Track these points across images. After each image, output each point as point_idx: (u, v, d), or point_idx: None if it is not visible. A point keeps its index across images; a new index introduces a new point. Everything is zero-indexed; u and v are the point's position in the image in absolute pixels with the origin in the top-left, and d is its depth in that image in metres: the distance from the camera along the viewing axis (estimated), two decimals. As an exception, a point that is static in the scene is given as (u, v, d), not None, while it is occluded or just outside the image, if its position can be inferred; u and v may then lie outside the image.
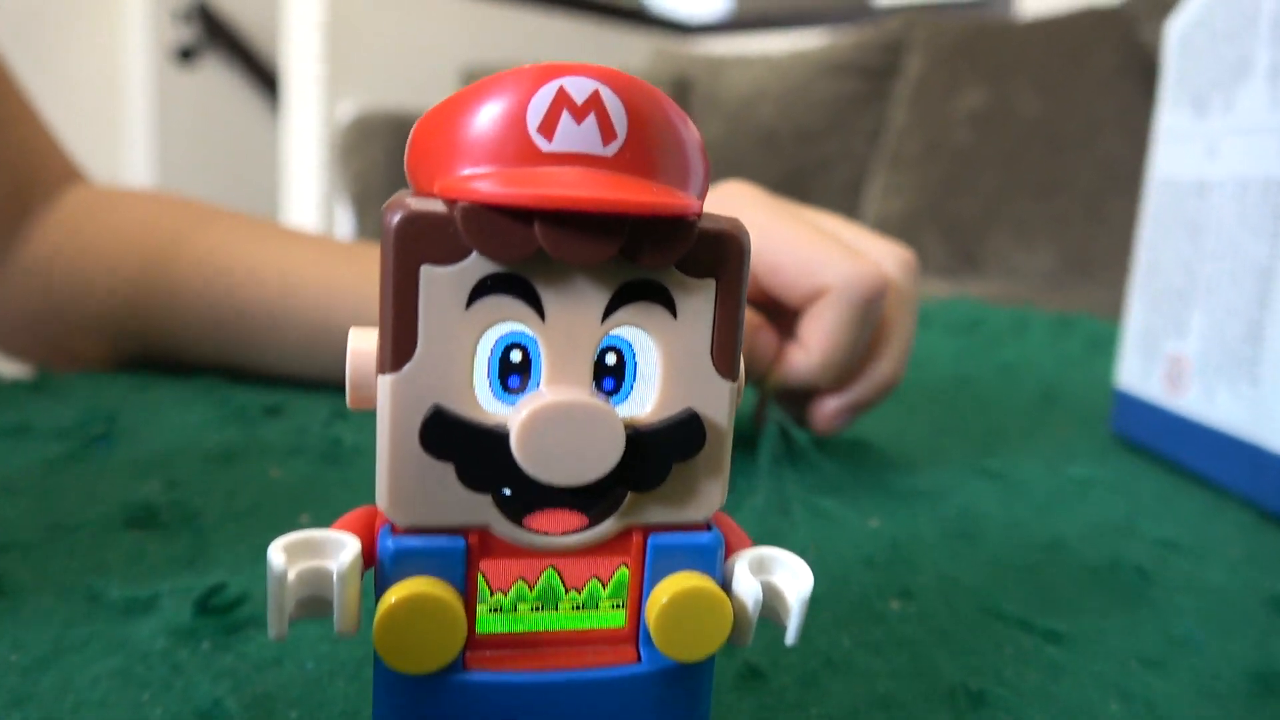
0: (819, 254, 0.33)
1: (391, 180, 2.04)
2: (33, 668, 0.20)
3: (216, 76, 2.72)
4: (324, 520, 0.29)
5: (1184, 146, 0.40)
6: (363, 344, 0.15)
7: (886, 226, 1.70)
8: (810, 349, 0.34)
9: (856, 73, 1.85)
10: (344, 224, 2.25)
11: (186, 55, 2.65)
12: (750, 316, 0.34)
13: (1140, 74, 1.51)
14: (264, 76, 2.72)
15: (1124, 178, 1.47)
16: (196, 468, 0.32)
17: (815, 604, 0.25)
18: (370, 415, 0.43)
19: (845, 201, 1.82)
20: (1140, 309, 0.42)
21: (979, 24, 1.75)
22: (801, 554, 0.17)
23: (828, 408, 0.36)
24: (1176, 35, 0.41)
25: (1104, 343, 0.70)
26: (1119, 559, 0.30)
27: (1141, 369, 0.42)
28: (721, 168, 1.62)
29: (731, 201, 0.35)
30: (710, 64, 2.10)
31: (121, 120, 2.66)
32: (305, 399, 0.41)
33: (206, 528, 0.28)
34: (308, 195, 2.38)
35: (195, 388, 0.42)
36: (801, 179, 1.85)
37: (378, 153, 2.06)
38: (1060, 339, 0.72)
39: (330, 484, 0.32)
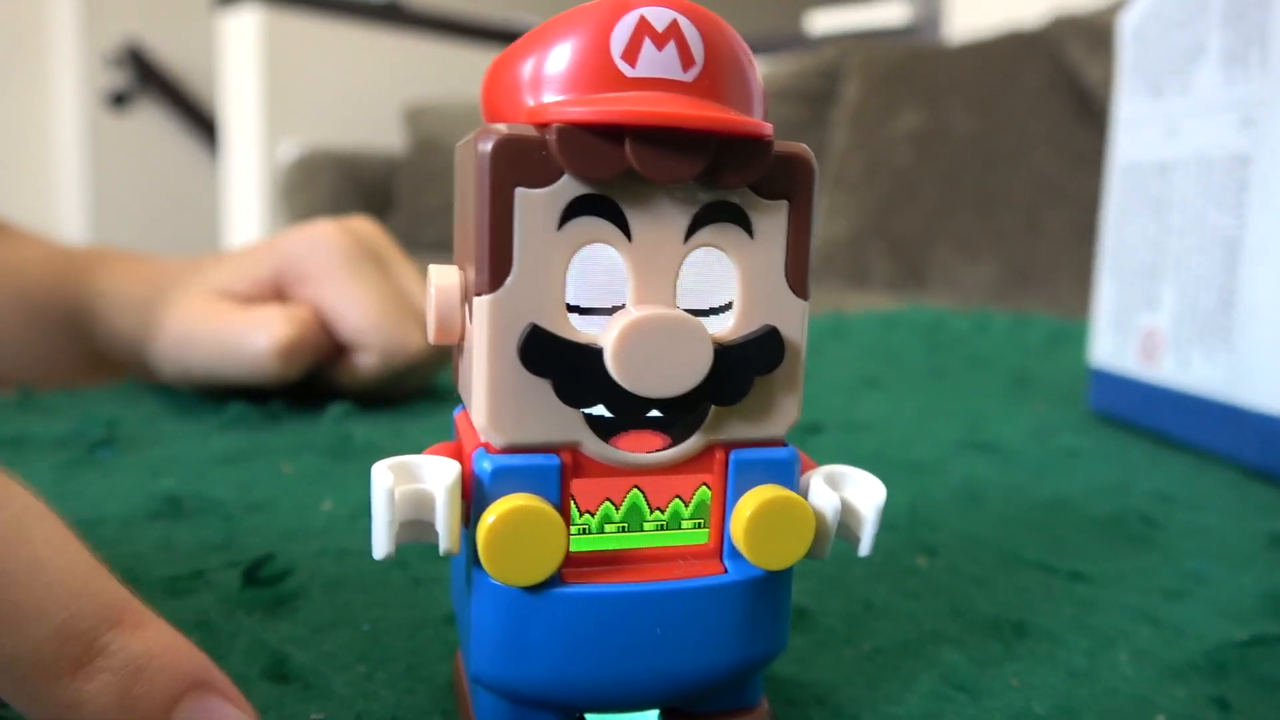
0: (371, 320, 0.39)
1: (339, 215, 2.04)
2: (86, 642, 0.20)
3: (151, 121, 2.68)
4: (345, 504, 0.29)
5: (1144, 131, 0.42)
6: (446, 279, 0.16)
7: (833, 247, 1.73)
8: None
9: (796, 99, 1.89)
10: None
11: (119, 100, 2.61)
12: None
13: (1066, 92, 1.57)
14: (200, 120, 2.69)
15: (1057, 191, 1.52)
16: (207, 467, 0.32)
17: (847, 560, 0.26)
18: (381, 410, 0.42)
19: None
20: (1110, 288, 0.44)
21: (912, 49, 1.80)
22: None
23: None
24: (1130, 28, 0.44)
25: (1063, 336, 0.72)
26: (1122, 511, 0.31)
27: (1115, 345, 0.44)
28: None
29: (314, 244, 0.41)
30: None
31: (53, 168, 2.61)
32: (303, 406, 0.41)
33: (233, 516, 0.27)
34: (250, 237, 2.35)
35: (187, 400, 0.41)
36: (747, 204, 1.88)
37: (323, 191, 2.05)
38: (1021, 334, 0.75)
39: (346, 475, 0.32)
